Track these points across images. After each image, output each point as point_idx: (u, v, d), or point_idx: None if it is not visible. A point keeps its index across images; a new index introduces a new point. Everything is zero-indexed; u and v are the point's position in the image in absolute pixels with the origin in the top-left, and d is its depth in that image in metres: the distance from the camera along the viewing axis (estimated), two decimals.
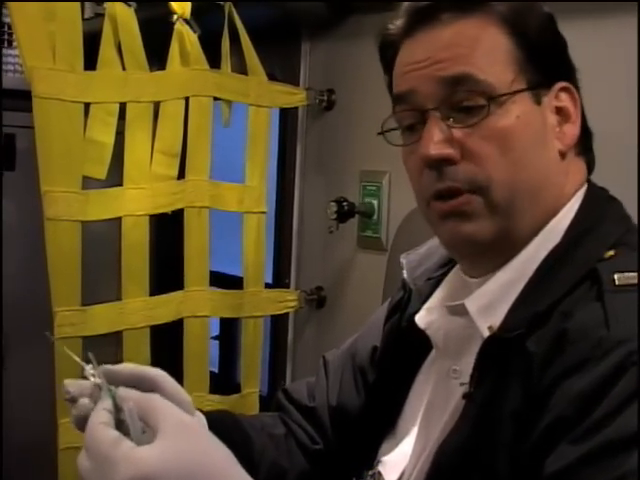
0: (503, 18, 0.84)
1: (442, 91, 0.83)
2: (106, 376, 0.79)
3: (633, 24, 1.23)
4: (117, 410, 0.67)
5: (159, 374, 0.84)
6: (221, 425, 0.97)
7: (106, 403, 0.68)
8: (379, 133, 0.93)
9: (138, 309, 1.67)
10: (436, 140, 0.83)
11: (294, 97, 1.87)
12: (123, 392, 0.68)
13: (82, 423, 0.75)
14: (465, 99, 0.83)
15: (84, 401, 0.77)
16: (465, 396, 0.82)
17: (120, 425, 0.67)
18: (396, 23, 0.89)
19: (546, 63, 0.85)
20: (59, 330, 1.57)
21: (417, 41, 0.86)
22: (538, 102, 0.85)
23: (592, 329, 0.73)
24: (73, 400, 0.79)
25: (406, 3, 0.88)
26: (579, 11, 1.28)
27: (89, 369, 0.75)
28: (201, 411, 0.95)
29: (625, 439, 0.67)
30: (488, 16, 0.84)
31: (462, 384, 0.84)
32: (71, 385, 0.80)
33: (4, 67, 2.18)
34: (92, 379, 0.73)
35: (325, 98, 1.90)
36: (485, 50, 0.83)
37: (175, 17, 1.72)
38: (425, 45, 0.85)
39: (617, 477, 0.66)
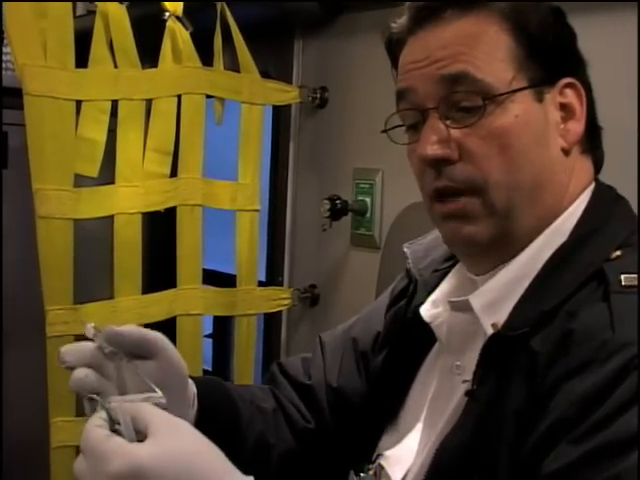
0: (504, 15, 0.84)
1: (441, 90, 0.84)
2: (112, 337, 0.81)
3: (633, 23, 1.23)
4: (112, 422, 0.68)
5: (160, 338, 0.88)
6: (211, 393, 0.98)
7: (102, 414, 0.69)
8: (383, 131, 0.93)
9: (130, 307, 1.66)
10: (433, 140, 0.84)
11: (287, 95, 1.86)
12: (115, 404, 0.69)
13: (82, 393, 0.77)
14: (464, 99, 0.83)
15: (81, 373, 0.77)
16: (468, 394, 0.82)
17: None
18: (400, 21, 0.89)
19: (549, 59, 0.85)
20: (51, 329, 1.57)
21: (419, 39, 0.86)
22: (540, 99, 0.84)
23: (597, 331, 0.73)
24: (71, 368, 0.79)
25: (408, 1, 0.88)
26: (578, 9, 1.28)
27: (90, 327, 0.75)
28: (192, 378, 0.96)
29: (623, 441, 0.67)
30: (489, 14, 0.84)
31: (465, 381, 0.84)
32: (68, 353, 0.80)
33: None
34: (94, 339, 0.74)
35: (318, 96, 1.89)
36: (484, 48, 0.83)
37: (167, 14, 1.72)
38: (426, 44, 0.85)
39: (613, 475, 0.66)
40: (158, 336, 0.88)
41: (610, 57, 1.28)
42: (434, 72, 0.84)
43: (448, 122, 0.84)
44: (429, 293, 0.96)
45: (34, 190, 1.57)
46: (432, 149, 0.83)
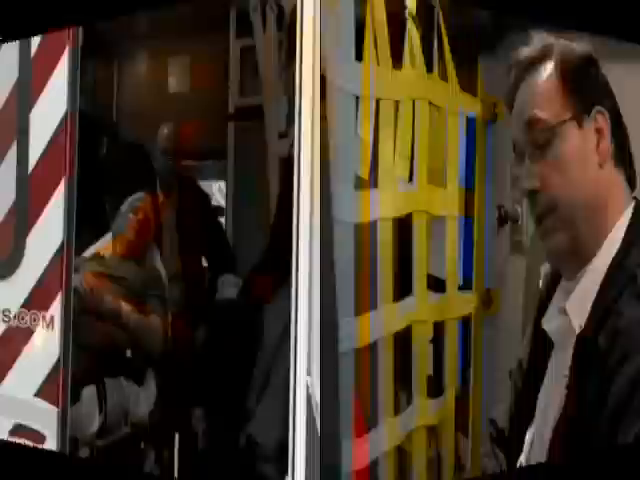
0: (562, 70, 1.09)
1: (527, 134, 1.09)
2: None
3: None
4: None
5: None
6: None
7: None
8: None
9: None
10: (524, 176, 1.09)
11: (476, 106, 1.91)
12: None
13: None
14: (537, 138, 1.08)
15: None
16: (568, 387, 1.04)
17: None
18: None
19: (586, 95, 1.10)
20: None
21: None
22: (580, 126, 1.09)
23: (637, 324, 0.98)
24: None
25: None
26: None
27: None
28: None
29: None
30: (552, 70, 1.09)
31: (565, 376, 1.06)
32: None
33: None
34: None
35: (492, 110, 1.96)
36: (548, 97, 1.08)
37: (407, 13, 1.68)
38: None
39: None
40: None
41: None
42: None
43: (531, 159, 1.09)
44: None
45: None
46: (525, 183, 1.10)
